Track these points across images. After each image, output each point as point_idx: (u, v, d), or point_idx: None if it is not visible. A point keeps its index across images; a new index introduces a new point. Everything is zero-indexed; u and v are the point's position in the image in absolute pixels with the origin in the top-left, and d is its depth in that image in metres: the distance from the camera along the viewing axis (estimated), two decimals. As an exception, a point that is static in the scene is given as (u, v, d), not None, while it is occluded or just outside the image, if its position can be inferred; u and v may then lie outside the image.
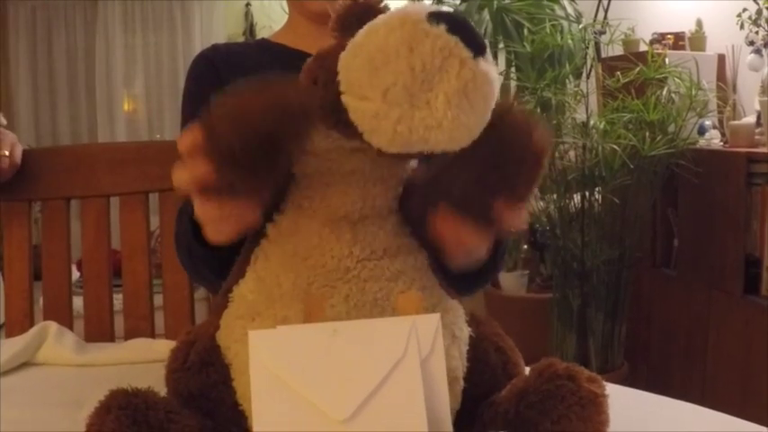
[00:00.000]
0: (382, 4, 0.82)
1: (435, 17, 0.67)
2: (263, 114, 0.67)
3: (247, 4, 6.24)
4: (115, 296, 1.60)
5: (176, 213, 1.20)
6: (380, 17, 0.71)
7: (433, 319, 0.68)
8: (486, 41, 0.71)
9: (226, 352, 0.80)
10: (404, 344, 0.66)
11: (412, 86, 0.66)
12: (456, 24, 0.67)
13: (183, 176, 0.72)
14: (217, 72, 1.34)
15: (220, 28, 6.50)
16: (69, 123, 6.58)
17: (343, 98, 0.70)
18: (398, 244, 0.81)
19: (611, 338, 3.35)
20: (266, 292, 0.79)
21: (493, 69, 0.69)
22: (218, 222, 0.76)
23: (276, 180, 0.74)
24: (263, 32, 6.28)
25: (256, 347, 0.66)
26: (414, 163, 0.83)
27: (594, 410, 0.75)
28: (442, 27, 0.66)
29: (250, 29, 6.43)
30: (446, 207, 0.76)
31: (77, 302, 1.61)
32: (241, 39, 6.45)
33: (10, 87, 6.45)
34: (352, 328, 0.68)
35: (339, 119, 0.72)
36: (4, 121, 1.74)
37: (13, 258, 1.59)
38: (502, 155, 0.73)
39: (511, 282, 4.00)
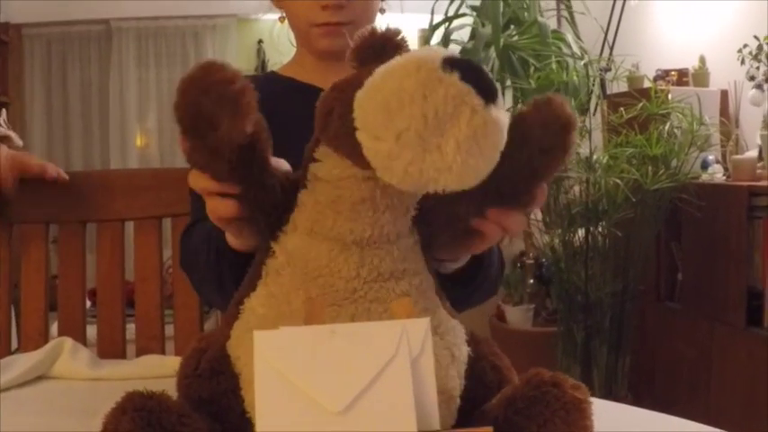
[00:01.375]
0: (399, 37, 0.88)
1: (450, 63, 0.70)
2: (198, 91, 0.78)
3: (260, 41, 6.33)
4: (127, 326, 1.66)
5: (181, 236, 1.26)
6: (397, 59, 0.75)
7: (423, 323, 0.73)
8: (498, 86, 0.76)
9: (236, 362, 0.84)
10: (395, 344, 0.71)
11: (424, 132, 0.70)
12: (469, 72, 0.70)
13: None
14: None
15: (233, 64, 6.57)
16: (82, 157, 6.63)
17: (358, 135, 0.74)
18: (404, 267, 0.85)
19: (615, 370, 3.37)
20: (276, 307, 0.83)
21: (503, 115, 0.73)
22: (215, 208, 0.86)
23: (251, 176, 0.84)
24: (274, 69, 6.35)
25: (261, 346, 0.71)
26: None
27: (579, 415, 0.78)
28: (456, 75, 0.70)
29: (262, 65, 6.51)
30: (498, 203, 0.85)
31: (90, 331, 1.66)
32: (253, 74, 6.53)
33: (24, 121, 6.52)
34: (348, 330, 0.73)
35: (353, 150, 0.76)
36: (20, 143, 1.81)
37: (29, 279, 1.65)
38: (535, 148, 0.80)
39: (517, 316, 4.04)
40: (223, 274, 1.08)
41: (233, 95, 0.78)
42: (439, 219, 0.88)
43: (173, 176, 1.64)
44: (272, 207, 0.86)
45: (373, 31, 0.88)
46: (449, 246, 0.94)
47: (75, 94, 6.64)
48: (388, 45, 0.86)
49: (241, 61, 6.60)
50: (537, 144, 0.80)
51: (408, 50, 0.86)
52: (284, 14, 1.46)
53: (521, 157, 0.80)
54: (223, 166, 0.81)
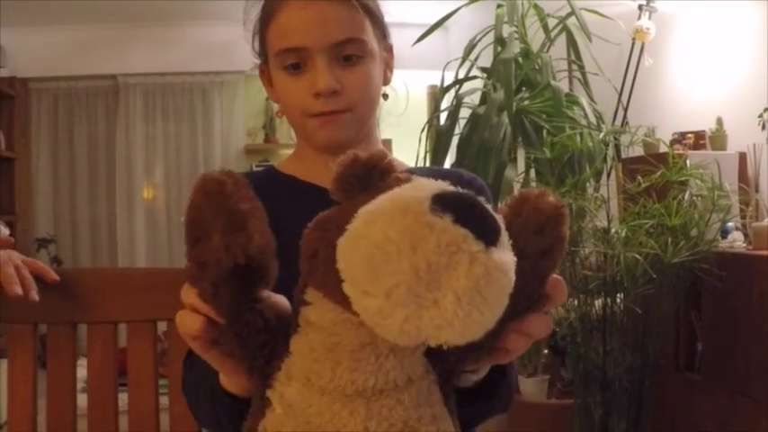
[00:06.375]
0: (386, 161, 0.78)
1: (440, 203, 0.63)
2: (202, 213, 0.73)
3: (267, 98, 6.29)
4: (120, 396, 1.57)
5: (184, 358, 1.16)
6: (381, 200, 0.66)
7: None
8: (501, 224, 0.67)
9: None
10: None
11: (417, 287, 0.62)
12: (464, 212, 0.63)
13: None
14: None
15: (240, 121, 6.57)
16: (89, 212, 6.62)
17: (345, 288, 0.66)
18: (419, 415, 0.76)
19: (635, 447, 3.27)
20: None
21: (508, 255, 0.65)
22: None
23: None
24: (282, 127, 6.34)
25: None
26: None
27: None
28: (448, 218, 0.62)
29: (270, 122, 6.49)
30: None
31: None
32: (261, 132, 6.51)
33: (30, 174, 6.51)
34: None
35: (343, 299, 0.67)
36: (7, 231, 1.72)
37: (17, 381, 1.55)
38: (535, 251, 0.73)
39: (531, 387, 3.92)
40: (220, 420, 0.98)
41: (231, 211, 0.71)
42: (456, 351, 0.78)
43: (167, 277, 1.55)
44: (257, 348, 0.78)
45: (355, 158, 0.78)
46: (472, 365, 0.84)
47: (82, 149, 6.65)
48: (374, 171, 0.77)
49: (248, 118, 6.59)
50: (536, 250, 0.73)
51: (397, 177, 0.76)
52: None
53: (523, 268, 0.71)
54: (207, 286, 0.73)
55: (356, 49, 1.26)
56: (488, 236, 0.63)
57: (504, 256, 0.64)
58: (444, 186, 0.67)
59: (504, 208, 0.76)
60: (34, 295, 1.43)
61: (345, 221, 0.67)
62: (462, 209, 0.63)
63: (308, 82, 1.25)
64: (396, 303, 0.62)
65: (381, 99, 1.38)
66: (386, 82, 1.37)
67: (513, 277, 0.65)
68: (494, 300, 0.64)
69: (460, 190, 0.68)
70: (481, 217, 0.64)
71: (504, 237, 0.66)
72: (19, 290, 1.40)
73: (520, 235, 0.72)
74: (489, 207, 0.67)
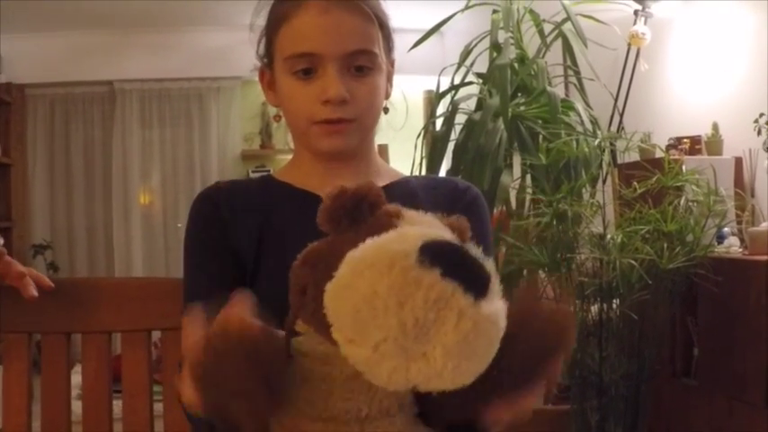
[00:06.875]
0: (374, 193, 0.78)
1: (428, 254, 0.62)
2: (240, 376, 0.66)
3: (264, 103, 6.30)
4: (115, 402, 1.57)
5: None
6: (368, 248, 0.66)
7: None
8: (490, 271, 0.66)
9: None
10: None
11: (404, 342, 0.62)
12: (451, 264, 0.63)
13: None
14: (218, 212, 1.30)
15: (237, 127, 6.56)
16: (85, 218, 6.62)
17: (333, 333, 0.66)
18: None
19: (632, 452, 3.26)
20: None
21: (497, 305, 0.65)
22: None
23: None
24: (279, 133, 6.34)
25: None
26: None
27: None
28: (436, 271, 0.62)
29: (266, 128, 6.49)
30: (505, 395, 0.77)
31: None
32: (257, 138, 6.51)
33: (27, 181, 6.50)
34: None
35: (333, 339, 0.68)
36: (1, 240, 1.72)
37: (11, 392, 1.55)
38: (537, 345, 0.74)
39: (528, 392, 3.91)
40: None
41: (256, 400, 0.69)
42: (439, 401, 0.78)
43: (162, 287, 1.55)
44: None
45: (343, 191, 0.78)
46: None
47: (79, 155, 6.65)
48: (363, 204, 0.77)
49: (245, 124, 6.58)
50: (542, 346, 0.76)
51: (387, 212, 0.76)
52: (281, 112, 1.36)
53: (525, 354, 0.74)
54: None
55: (367, 60, 1.28)
56: (477, 288, 0.63)
57: (494, 306, 0.65)
58: (432, 235, 0.66)
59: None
60: (33, 291, 1.43)
61: (333, 262, 0.68)
62: (450, 260, 0.63)
63: (317, 89, 1.25)
64: (383, 355, 0.63)
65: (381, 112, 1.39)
66: (386, 96, 1.38)
67: (503, 325, 0.66)
68: (483, 350, 0.66)
69: (448, 238, 0.67)
70: (470, 268, 0.64)
71: (495, 284, 0.66)
72: (34, 291, 1.43)
73: (538, 338, 0.75)
74: (478, 254, 0.67)
